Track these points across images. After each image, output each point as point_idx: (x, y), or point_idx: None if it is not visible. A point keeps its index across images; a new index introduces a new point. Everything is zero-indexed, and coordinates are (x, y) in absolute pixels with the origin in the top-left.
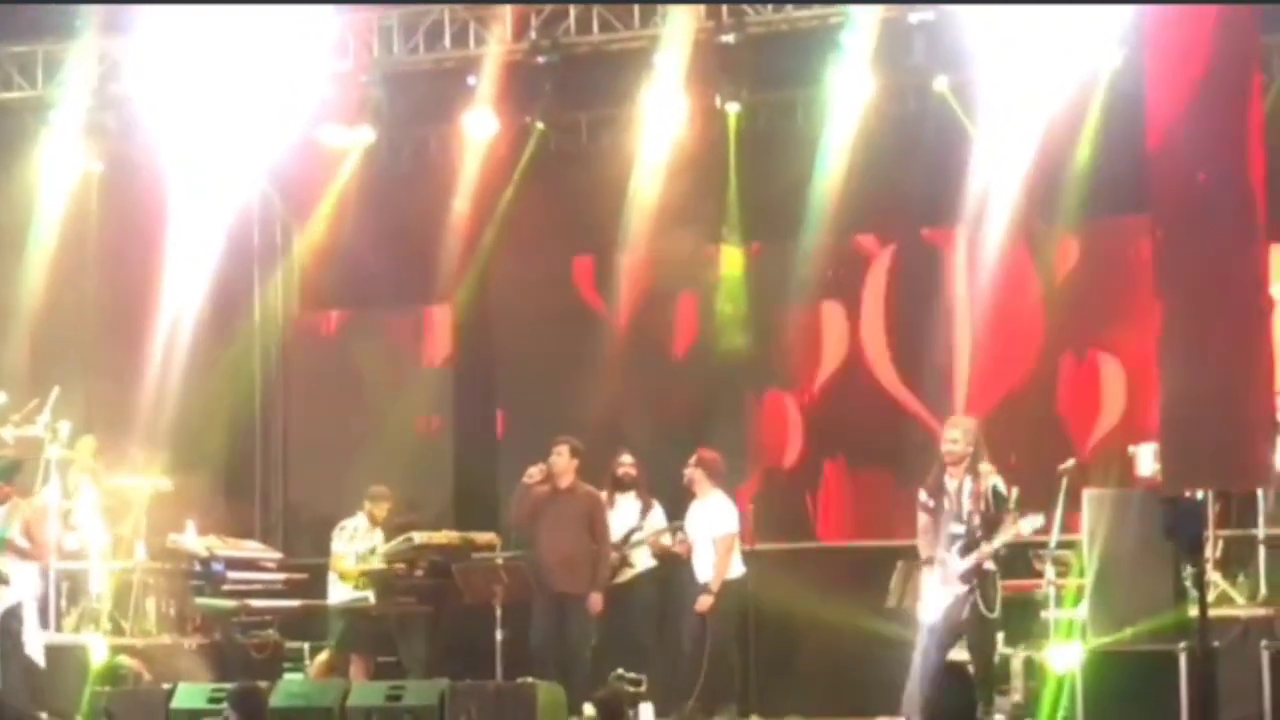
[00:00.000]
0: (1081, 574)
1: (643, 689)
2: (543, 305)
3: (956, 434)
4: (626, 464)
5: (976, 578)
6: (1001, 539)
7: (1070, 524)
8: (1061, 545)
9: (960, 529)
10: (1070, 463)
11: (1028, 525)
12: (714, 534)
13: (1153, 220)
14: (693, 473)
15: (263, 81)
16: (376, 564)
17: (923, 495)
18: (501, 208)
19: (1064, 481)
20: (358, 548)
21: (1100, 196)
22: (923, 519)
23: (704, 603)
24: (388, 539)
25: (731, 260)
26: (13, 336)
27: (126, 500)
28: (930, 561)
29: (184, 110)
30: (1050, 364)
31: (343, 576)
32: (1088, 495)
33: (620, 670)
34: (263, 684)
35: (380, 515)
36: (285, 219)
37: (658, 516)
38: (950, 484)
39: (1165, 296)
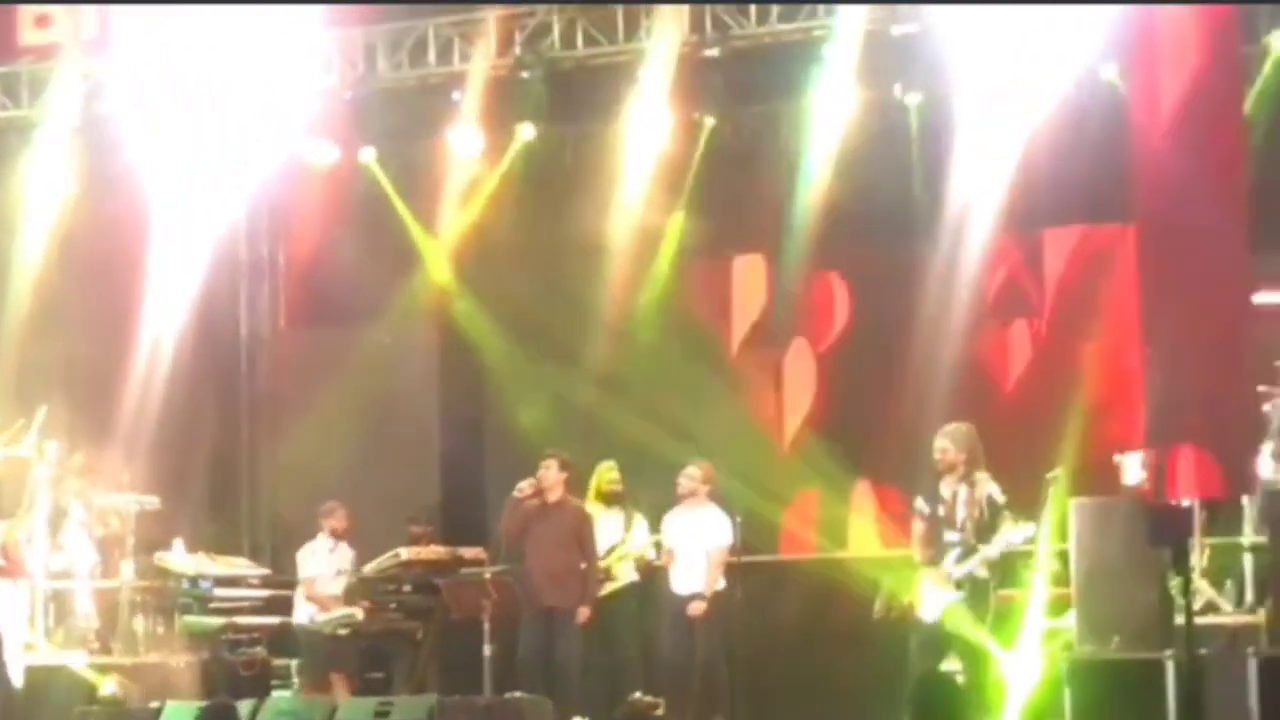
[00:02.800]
0: (1068, 583)
1: (660, 712)
2: (521, 317)
3: (945, 442)
4: (612, 479)
5: (969, 585)
6: (997, 546)
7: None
8: (1048, 554)
9: (955, 536)
10: (1057, 471)
11: (1019, 535)
12: (709, 545)
13: (1137, 228)
14: (695, 484)
15: (247, 99)
16: (341, 585)
17: (919, 503)
18: (485, 221)
19: (1050, 490)
20: (324, 569)
21: (1083, 204)
22: (918, 526)
23: (697, 607)
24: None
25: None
26: None
27: (113, 519)
28: (928, 566)
29: (169, 128)
30: (1033, 373)
31: (309, 599)
32: (1074, 504)
33: (639, 694)
34: (248, 701)
35: (340, 529)
36: (272, 236)
37: (641, 530)
38: (945, 491)
39: (1149, 305)
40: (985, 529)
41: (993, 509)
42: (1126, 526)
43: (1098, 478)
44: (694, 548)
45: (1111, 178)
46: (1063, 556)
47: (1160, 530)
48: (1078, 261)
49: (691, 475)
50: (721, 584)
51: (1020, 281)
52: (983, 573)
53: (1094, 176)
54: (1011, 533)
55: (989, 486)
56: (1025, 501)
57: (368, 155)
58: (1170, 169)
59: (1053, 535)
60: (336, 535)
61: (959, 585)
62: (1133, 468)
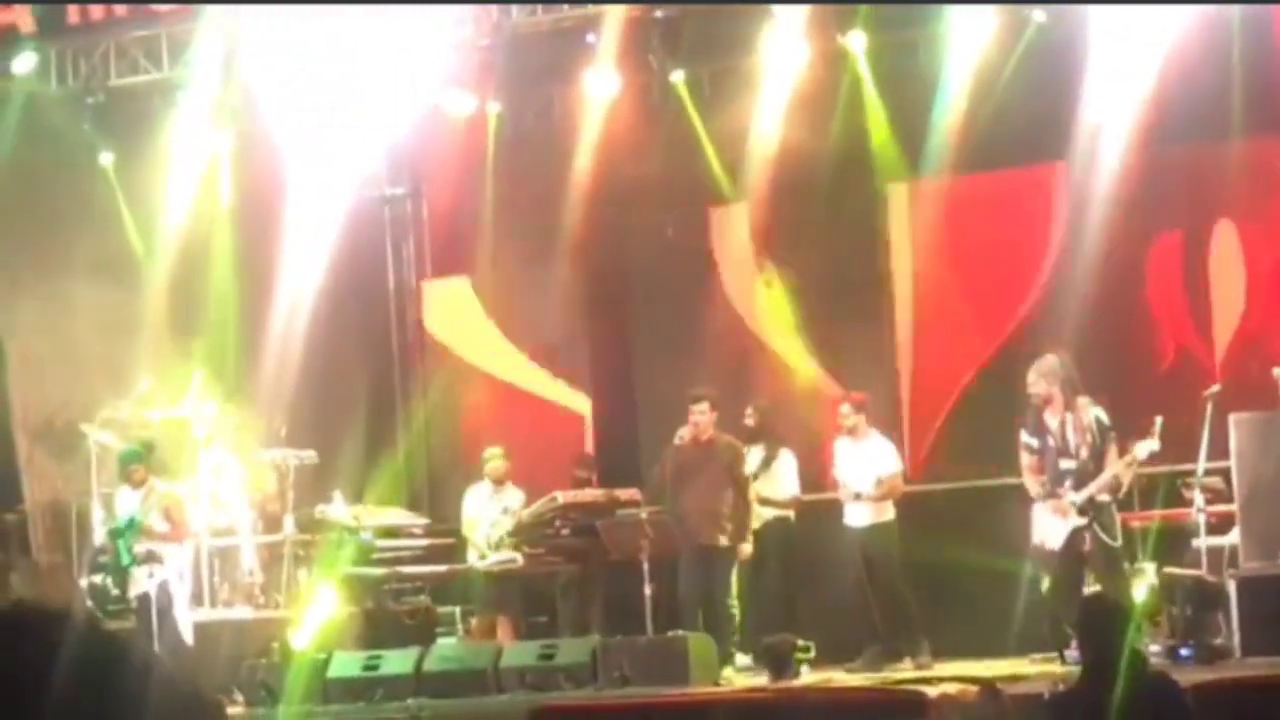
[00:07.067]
0: (1231, 500)
1: (811, 655)
2: (673, 260)
3: (1033, 377)
4: (749, 414)
5: (1093, 509)
6: (1113, 469)
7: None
8: (1209, 472)
9: (1070, 464)
10: (1215, 388)
11: (1142, 449)
12: (880, 473)
13: None
14: (856, 418)
15: (384, 54)
16: (508, 525)
17: (1024, 435)
18: (628, 165)
19: (1209, 407)
20: (489, 512)
21: (1226, 117)
22: (1026, 458)
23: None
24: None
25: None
26: (153, 321)
27: (272, 474)
28: (1042, 498)
29: (309, 86)
30: (1184, 290)
31: (469, 544)
32: (1234, 419)
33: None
34: (414, 649)
35: (499, 474)
36: (414, 187)
37: (785, 463)
38: (1051, 421)
39: None
40: (1099, 453)
41: (1102, 431)
42: None
43: (1257, 393)
44: (867, 477)
45: (1260, 90)
46: (1224, 474)
47: None
48: (1224, 179)
49: (846, 412)
50: (891, 513)
51: (1164, 200)
52: (1104, 496)
53: (1240, 89)
54: (1135, 448)
55: (1094, 410)
56: (1186, 419)
57: (493, 108)
58: None
59: (1212, 453)
60: (496, 480)
61: (1082, 511)
62: None
